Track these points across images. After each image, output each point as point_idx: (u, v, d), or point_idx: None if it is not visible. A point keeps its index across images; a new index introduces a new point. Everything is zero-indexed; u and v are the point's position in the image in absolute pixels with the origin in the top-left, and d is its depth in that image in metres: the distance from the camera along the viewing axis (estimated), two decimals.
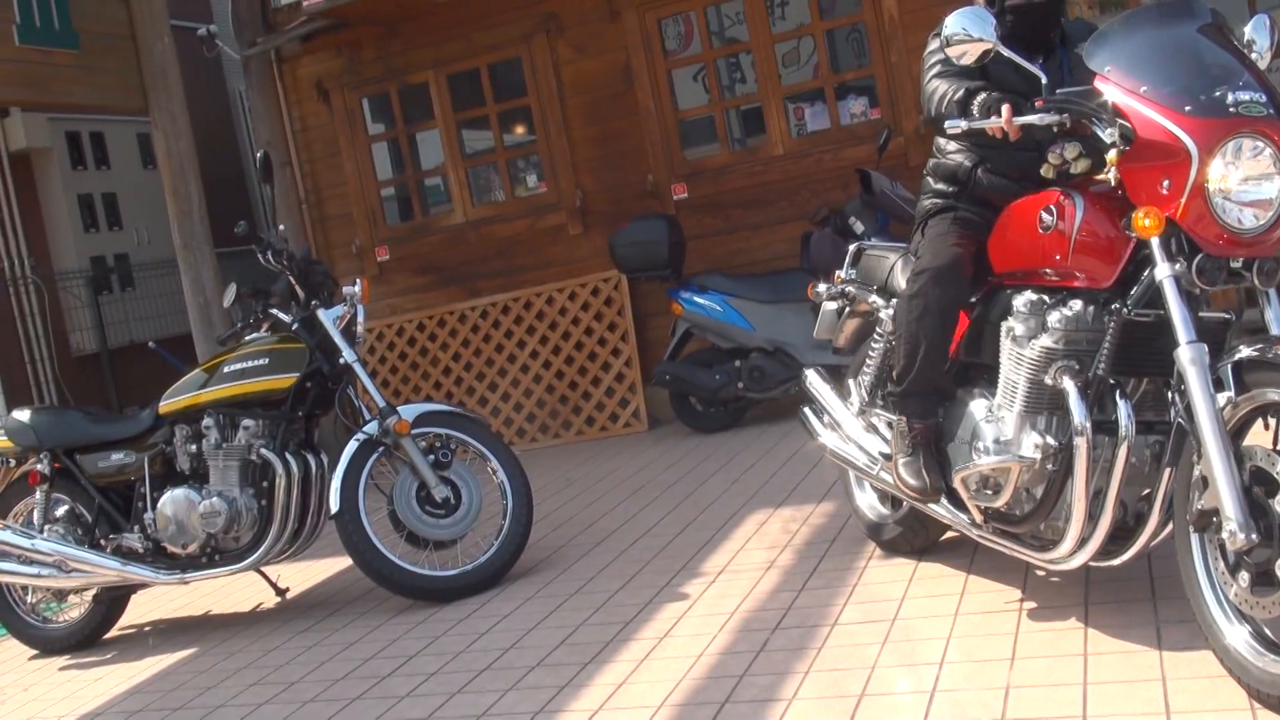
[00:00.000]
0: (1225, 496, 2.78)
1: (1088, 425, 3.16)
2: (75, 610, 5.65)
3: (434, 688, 4.07)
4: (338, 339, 5.08)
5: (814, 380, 4.58)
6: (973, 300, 3.73)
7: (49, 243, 12.14)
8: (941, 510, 3.87)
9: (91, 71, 8.37)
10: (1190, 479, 2.98)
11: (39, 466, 5.49)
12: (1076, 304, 3.28)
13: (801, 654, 3.70)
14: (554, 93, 8.68)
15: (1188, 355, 2.90)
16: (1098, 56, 3.19)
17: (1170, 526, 3.12)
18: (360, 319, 5.20)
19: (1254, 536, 2.74)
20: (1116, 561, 3.28)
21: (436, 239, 9.20)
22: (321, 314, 5.10)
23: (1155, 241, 2.99)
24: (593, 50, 8.57)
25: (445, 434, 5.16)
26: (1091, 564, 3.33)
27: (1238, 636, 2.88)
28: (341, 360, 5.08)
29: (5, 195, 11.52)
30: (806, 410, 4.58)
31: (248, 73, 9.34)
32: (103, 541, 5.40)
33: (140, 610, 5.99)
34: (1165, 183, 2.96)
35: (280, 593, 5.58)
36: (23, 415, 5.57)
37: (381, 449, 5.06)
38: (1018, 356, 3.38)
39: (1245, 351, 2.85)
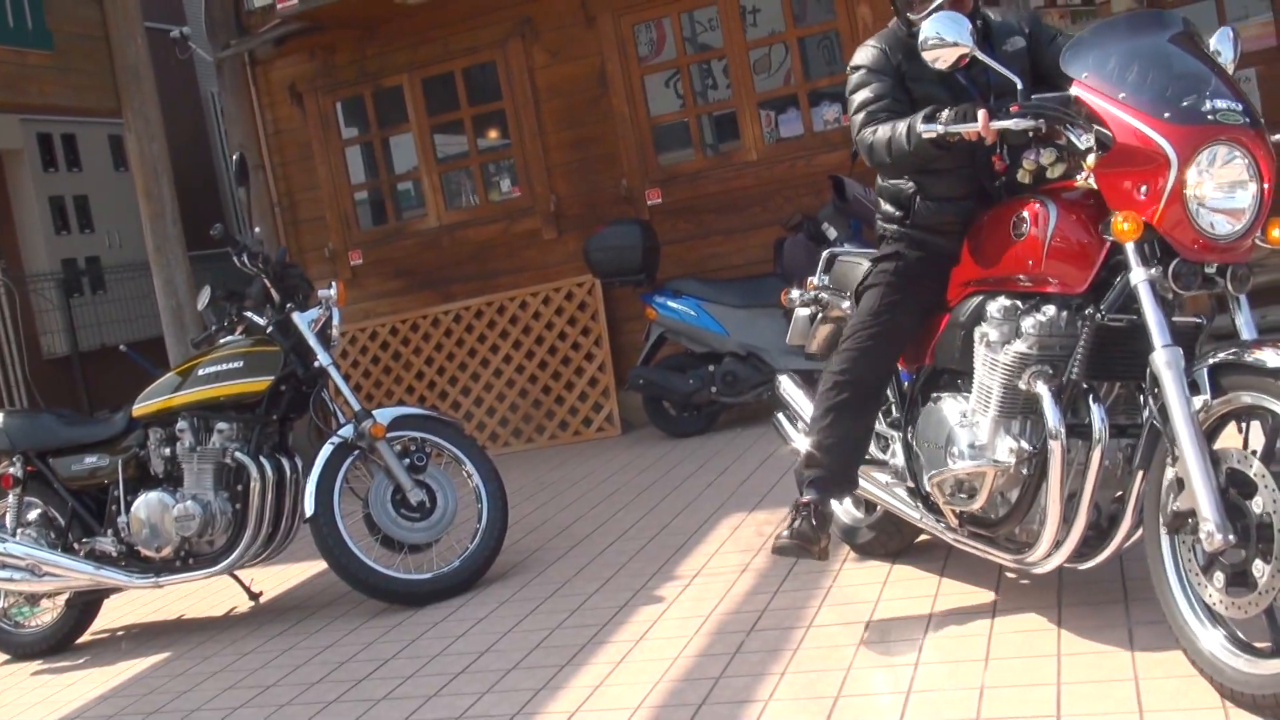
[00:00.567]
0: (1202, 498, 2.81)
1: (1062, 429, 3.20)
2: (48, 615, 5.62)
3: (411, 690, 4.07)
4: (313, 342, 5.07)
5: (786, 386, 4.60)
6: (948, 307, 3.75)
7: (20, 245, 12.05)
8: (915, 515, 3.90)
9: (65, 72, 8.33)
10: (1163, 481, 3.02)
11: (11, 470, 5.47)
12: (1050, 309, 3.31)
13: (777, 656, 3.73)
14: (529, 97, 8.70)
15: (1163, 359, 2.93)
16: (1075, 64, 3.22)
17: (1143, 529, 3.16)
18: (335, 322, 5.20)
19: (1231, 538, 2.77)
20: (1090, 564, 3.32)
21: (410, 243, 9.20)
22: (296, 317, 5.10)
23: (1131, 246, 3.02)
24: (568, 55, 8.59)
25: (420, 437, 5.17)
26: (1065, 566, 3.38)
27: (1213, 640, 2.91)
28: (316, 363, 5.08)
29: None
30: (780, 416, 4.60)
31: (221, 75, 9.32)
32: (76, 545, 5.38)
33: (113, 614, 5.96)
34: (1143, 188, 3.00)
35: (254, 597, 5.57)
36: None
37: (356, 452, 5.06)
38: (992, 362, 3.41)
39: (1220, 356, 2.89)
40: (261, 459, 5.09)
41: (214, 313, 5.39)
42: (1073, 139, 3.17)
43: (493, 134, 9.48)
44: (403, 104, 9.14)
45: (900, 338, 3.78)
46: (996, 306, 3.43)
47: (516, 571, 5.26)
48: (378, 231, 9.49)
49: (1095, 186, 3.18)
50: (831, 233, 7.11)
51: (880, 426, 4.06)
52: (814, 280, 4.38)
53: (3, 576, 5.38)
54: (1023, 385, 3.31)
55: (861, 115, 3.64)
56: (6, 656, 5.63)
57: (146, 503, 5.21)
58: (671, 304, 7.64)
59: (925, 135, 3.35)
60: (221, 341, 5.31)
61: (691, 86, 8.82)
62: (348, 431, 5.04)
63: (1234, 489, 2.85)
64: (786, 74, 8.51)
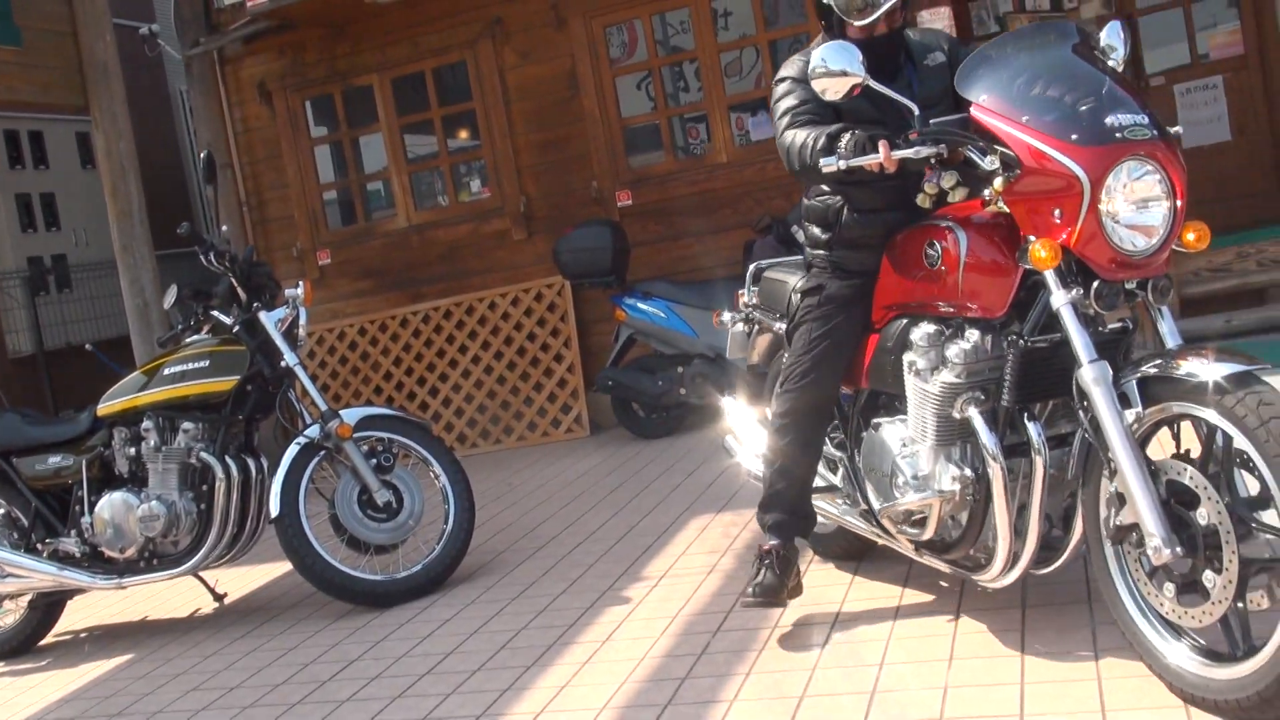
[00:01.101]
0: (1145, 513, 2.82)
1: (999, 452, 3.19)
2: (10, 616, 5.56)
3: (375, 692, 4.06)
4: (279, 342, 5.05)
5: (731, 414, 4.59)
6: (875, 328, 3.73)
7: None
8: (875, 536, 3.89)
9: (33, 69, 8.27)
10: (1101, 495, 3.03)
11: None
12: (974, 335, 3.28)
13: (743, 656, 3.73)
14: (499, 98, 8.68)
15: (1091, 375, 2.93)
16: (973, 87, 3.18)
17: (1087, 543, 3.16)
18: (303, 322, 5.18)
19: (1178, 550, 2.79)
20: (1050, 569, 3.32)
21: (379, 243, 9.17)
22: (263, 316, 5.07)
23: (1050, 271, 3.01)
24: (538, 56, 8.58)
25: (388, 438, 5.15)
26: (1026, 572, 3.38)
27: (1170, 649, 2.92)
28: (283, 363, 5.06)
29: None
30: (729, 439, 4.58)
31: (190, 73, 9.26)
32: (39, 546, 5.32)
33: (76, 616, 5.92)
34: (1056, 211, 2.98)
35: (219, 598, 5.53)
36: None
37: (323, 453, 5.04)
38: (923, 392, 3.38)
39: (1148, 368, 2.89)
40: (227, 459, 5.06)
41: (180, 312, 5.36)
42: (977, 161, 3.12)
43: (463, 134, 9.47)
44: (372, 103, 9.12)
45: (836, 370, 3.76)
46: (920, 334, 3.40)
47: (483, 573, 5.25)
48: (346, 231, 9.46)
49: (1005, 209, 3.15)
50: (801, 235, 7.12)
51: (828, 448, 4.05)
52: (744, 295, 4.36)
53: None
54: (956, 414, 3.28)
55: (785, 119, 3.60)
56: None
57: (110, 503, 5.17)
58: (641, 306, 7.65)
59: (825, 169, 3.29)
60: (188, 341, 5.27)
61: (663, 89, 8.83)
62: (314, 432, 5.02)
63: (1174, 499, 2.85)
64: (758, 77, 8.53)
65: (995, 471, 3.19)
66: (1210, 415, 2.73)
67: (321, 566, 4.93)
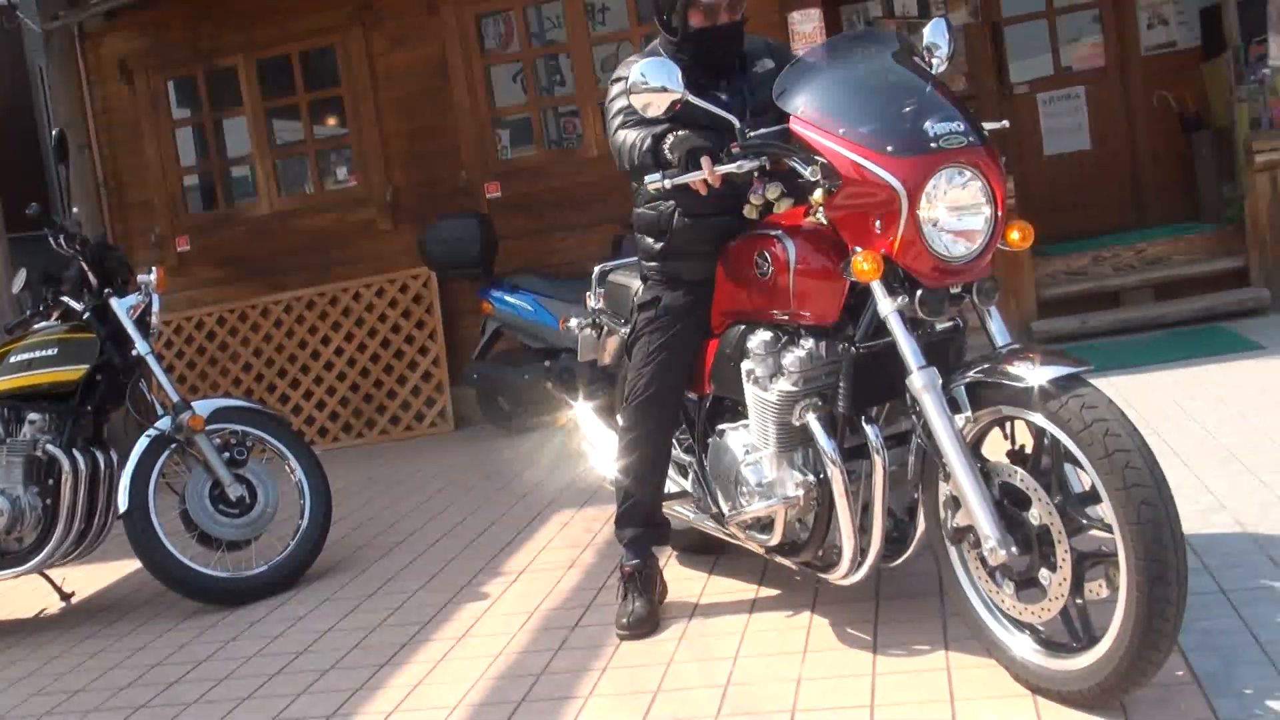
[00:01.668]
0: (979, 516, 2.87)
1: (839, 458, 3.22)
2: None
3: (223, 693, 3.96)
4: (131, 329, 4.90)
5: (583, 420, 4.58)
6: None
7: None
8: (730, 540, 3.90)
9: None
10: (939, 496, 3.08)
11: None
12: (809, 342, 3.31)
13: (600, 651, 3.73)
14: (367, 84, 8.55)
15: (920, 382, 2.97)
16: (791, 98, 3.19)
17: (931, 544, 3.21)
18: (155, 309, 5.03)
19: (1013, 550, 2.84)
20: (898, 562, 3.38)
21: (241, 230, 8.96)
22: (114, 303, 4.92)
23: (876, 281, 3.04)
24: (409, 43, 8.46)
25: (242, 430, 5.05)
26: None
27: (1016, 642, 2.99)
28: (134, 352, 4.91)
29: None
30: (585, 444, 4.57)
31: (48, 48, 8.89)
32: None
33: None
34: (877, 222, 3.01)
35: (65, 597, 5.34)
36: None
37: (174, 445, 4.91)
38: (762, 401, 3.40)
39: (975, 373, 2.93)
40: (75, 452, 4.89)
41: (29, 297, 5.17)
42: (800, 171, 3.13)
43: (330, 120, 9.29)
44: (237, 86, 8.90)
45: (677, 380, 3.78)
46: (757, 341, 3.42)
47: (339, 569, 5.16)
48: (207, 217, 9.23)
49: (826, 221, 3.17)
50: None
51: (678, 453, 4.07)
52: (590, 298, 4.35)
53: None
54: (796, 421, 3.30)
55: (618, 120, 3.59)
56: None
57: None
58: (509, 299, 7.59)
59: (652, 186, 3.28)
60: (36, 327, 5.09)
61: (537, 81, 8.78)
62: (165, 424, 4.88)
63: (1008, 500, 2.91)
64: None
65: (835, 475, 3.22)
66: (1037, 419, 2.78)
67: (171, 564, 4.80)
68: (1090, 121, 9.54)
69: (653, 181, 3.26)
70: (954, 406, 2.96)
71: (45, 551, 4.90)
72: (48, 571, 5.17)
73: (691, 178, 3.24)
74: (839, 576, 3.40)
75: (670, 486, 4.05)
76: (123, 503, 4.77)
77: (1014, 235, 3.07)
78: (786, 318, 3.38)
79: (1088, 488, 2.76)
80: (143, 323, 4.96)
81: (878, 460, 3.16)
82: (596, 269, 4.37)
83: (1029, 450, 2.92)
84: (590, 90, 8.28)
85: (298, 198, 9.11)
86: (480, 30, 8.51)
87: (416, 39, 8.44)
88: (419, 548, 5.31)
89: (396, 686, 3.74)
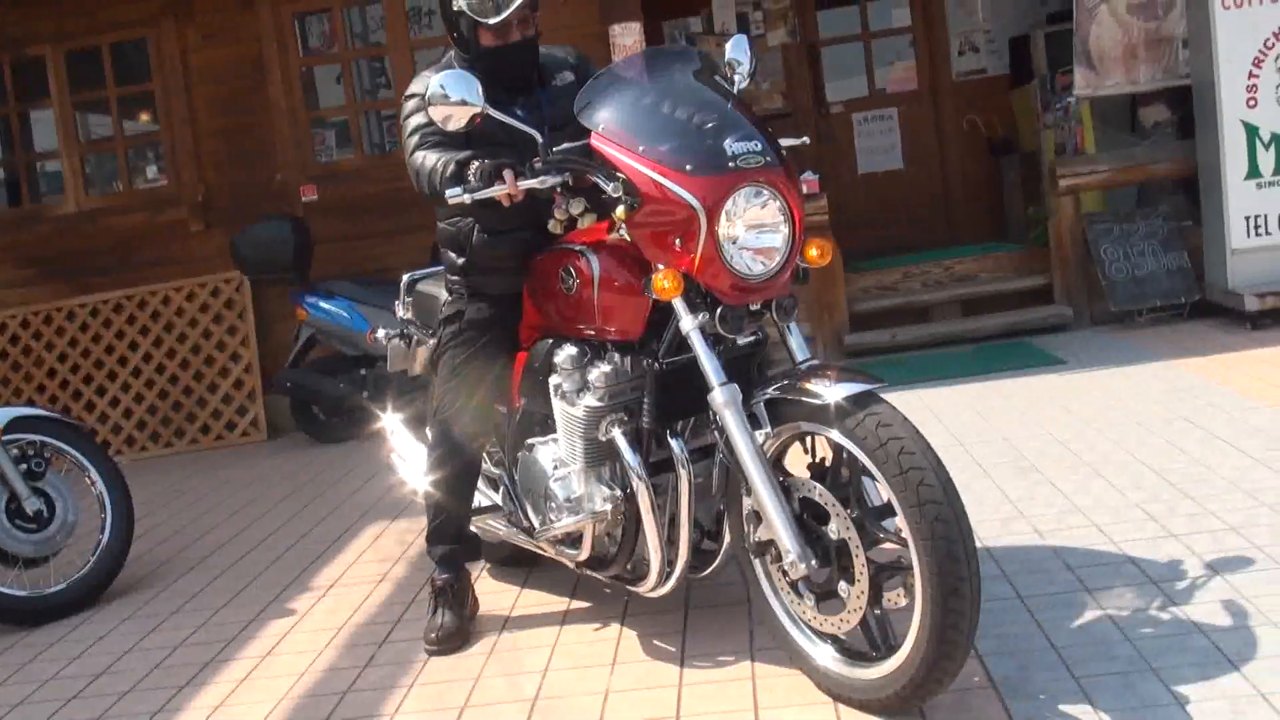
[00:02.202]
0: (780, 531, 2.91)
1: (644, 473, 3.23)
2: None
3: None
4: None
5: (394, 434, 4.53)
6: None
7: None
8: (542, 553, 3.87)
9: None
10: (743, 511, 3.12)
11: None
12: (614, 357, 3.32)
13: (408, 667, 3.68)
14: (180, 80, 8.26)
15: (721, 399, 3.00)
16: (591, 115, 3.20)
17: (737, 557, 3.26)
18: None
19: (813, 563, 2.89)
20: (705, 573, 3.42)
21: (45, 229, 8.55)
22: None
23: (677, 298, 3.06)
24: (224, 39, 8.22)
25: (39, 441, 4.83)
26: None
27: (819, 652, 3.05)
28: None
29: None
30: (393, 457, 4.51)
31: None
32: None
33: None
34: (676, 240, 3.03)
35: None
36: None
37: None
38: (569, 417, 3.40)
39: (774, 390, 2.98)
40: None
41: None
42: (603, 187, 3.13)
43: (144, 116, 8.96)
44: (45, 77, 8.50)
45: (485, 394, 3.76)
46: (564, 356, 3.43)
47: (142, 586, 4.98)
48: (10, 214, 8.80)
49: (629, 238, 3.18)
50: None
51: (488, 466, 4.05)
52: (399, 308, 4.30)
53: None
54: (602, 436, 3.31)
55: (415, 138, 3.53)
56: None
57: None
58: (323, 305, 7.42)
59: (452, 200, 3.23)
60: None
61: (361, 84, 8.63)
62: None
63: (808, 514, 2.97)
64: None
65: (641, 490, 3.23)
66: (834, 435, 2.84)
67: None
68: (903, 142, 9.86)
69: (454, 196, 3.22)
70: (755, 422, 3.00)
71: None
72: None
73: (494, 191, 3.21)
74: (648, 589, 3.42)
75: (481, 500, 4.02)
76: None
77: (813, 253, 3.14)
78: (593, 333, 3.38)
79: (886, 501, 2.82)
80: None
81: (683, 474, 3.18)
82: (405, 278, 4.32)
83: (830, 464, 2.98)
84: None
85: (106, 196, 8.77)
86: (301, 29, 8.33)
87: (232, 35, 8.20)
88: (226, 562, 5.15)
89: (197, 709, 3.63)
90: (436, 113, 3.21)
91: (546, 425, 3.63)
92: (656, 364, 3.22)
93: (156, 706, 3.68)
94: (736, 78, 3.33)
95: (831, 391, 2.82)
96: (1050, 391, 5.99)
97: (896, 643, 2.85)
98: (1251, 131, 6.87)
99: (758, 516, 3.02)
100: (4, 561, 4.72)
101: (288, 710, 3.51)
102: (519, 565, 4.38)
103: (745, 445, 2.96)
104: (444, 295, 3.91)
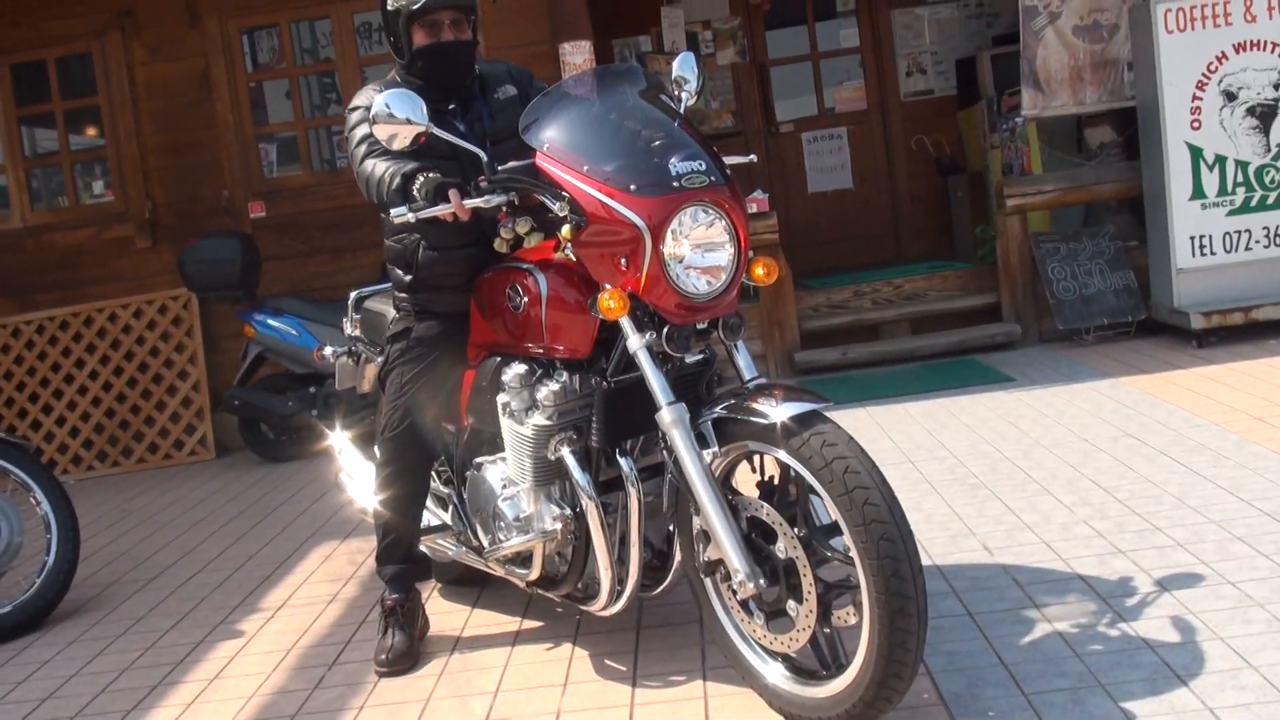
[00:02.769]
0: (728, 550, 2.91)
1: (593, 492, 3.23)
2: None
3: None
4: None
5: (342, 453, 4.50)
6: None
7: None
8: (492, 573, 3.85)
9: None
10: (692, 531, 3.13)
11: None
12: (563, 376, 3.32)
13: (358, 689, 3.65)
14: (126, 95, 8.18)
15: (669, 418, 3.00)
16: (536, 134, 3.20)
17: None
18: None
19: (761, 583, 2.90)
20: (657, 591, 3.41)
21: None
22: None
23: (624, 318, 3.07)
24: (170, 54, 8.15)
25: None
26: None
27: (770, 671, 3.05)
28: None
29: None
30: (342, 476, 4.48)
31: None
32: None
33: None
34: (622, 260, 3.04)
35: None
36: None
37: None
38: (518, 435, 3.39)
39: (721, 409, 2.98)
40: None
41: None
42: (549, 205, 3.13)
43: (90, 131, 8.85)
44: None
45: (432, 412, 3.74)
46: (512, 375, 3.42)
47: (88, 608, 4.91)
48: None
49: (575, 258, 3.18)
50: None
51: (437, 485, 4.03)
52: (347, 324, 4.28)
53: None
54: (551, 455, 3.30)
55: (362, 148, 3.51)
56: None
57: None
58: (272, 322, 7.36)
59: (397, 219, 3.21)
60: None
61: (307, 99, 8.58)
62: None
63: (756, 533, 2.98)
64: None
65: (590, 509, 3.23)
66: (781, 455, 2.85)
67: None
68: (852, 161, 9.95)
69: (399, 215, 3.20)
70: (703, 441, 3.00)
71: None
72: None
73: (440, 210, 3.20)
74: (599, 608, 3.41)
75: (431, 519, 4.00)
76: None
77: (759, 271, 3.16)
78: (541, 351, 3.38)
79: (833, 520, 2.83)
80: None
81: (633, 493, 3.18)
82: (352, 295, 4.30)
83: (777, 482, 2.99)
84: None
85: (51, 212, 8.65)
86: (249, 44, 8.28)
87: (178, 50, 8.13)
88: (173, 584, 5.09)
89: None
90: (381, 131, 3.19)
91: (495, 444, 3.61)
92: (605, 382, 3.22)
93: None
94: (684, 95, 3.34)
95: (778, 411, 2.83)
96: (998, 409, 6.05)
97: (846, 661, 2.85)
98: (1195, 153, 6.97)
99: (707, 536, 3.03)
100: None
101: None
102: (470, 585, 4.36)
103: (693, 464, 2.96)
104: (392, 312, 3.89)
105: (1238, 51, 6.90)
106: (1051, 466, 4.89)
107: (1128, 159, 7.79)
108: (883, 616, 2.66)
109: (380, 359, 3.98)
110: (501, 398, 3.45)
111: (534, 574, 3.53)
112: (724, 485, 3.04)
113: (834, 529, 2.84)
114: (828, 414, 2.87)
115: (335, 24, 8.15)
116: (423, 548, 3.95)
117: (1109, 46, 7.57)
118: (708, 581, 3.15)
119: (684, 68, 3.39)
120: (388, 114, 3.16)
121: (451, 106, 3.61)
